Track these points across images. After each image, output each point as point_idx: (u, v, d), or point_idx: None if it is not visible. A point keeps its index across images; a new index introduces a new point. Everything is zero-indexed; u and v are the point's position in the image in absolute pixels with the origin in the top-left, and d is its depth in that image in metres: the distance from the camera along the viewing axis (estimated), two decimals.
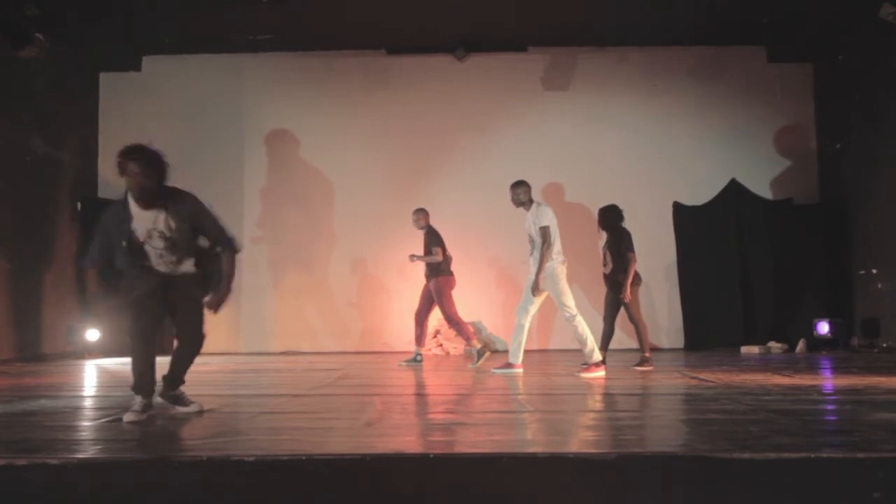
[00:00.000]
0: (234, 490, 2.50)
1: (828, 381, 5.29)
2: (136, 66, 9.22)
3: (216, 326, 8.76)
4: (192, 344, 3.60)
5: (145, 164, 3.33)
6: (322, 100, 9.26)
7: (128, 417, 3.37)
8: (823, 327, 8.25)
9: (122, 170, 3.35)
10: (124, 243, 3.41)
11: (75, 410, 4.09)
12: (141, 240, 3.43)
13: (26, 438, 3.20)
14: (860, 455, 2.44)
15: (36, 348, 8.02)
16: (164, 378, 3.59)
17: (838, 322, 8.25)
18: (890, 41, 7.45)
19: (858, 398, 4.11)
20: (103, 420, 3.58)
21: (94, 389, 5.45)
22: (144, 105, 9.05)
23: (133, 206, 3.42)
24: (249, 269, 9.01)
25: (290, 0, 7.58)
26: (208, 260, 3.60)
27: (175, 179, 3.54)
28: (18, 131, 7.64)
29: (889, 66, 7.66)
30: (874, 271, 8.15)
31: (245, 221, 9.08)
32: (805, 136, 9.23)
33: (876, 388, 4.51)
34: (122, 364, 7.29)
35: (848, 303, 8.56)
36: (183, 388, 3.68)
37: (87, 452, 2.79)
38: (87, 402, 4.58)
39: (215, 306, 3.56)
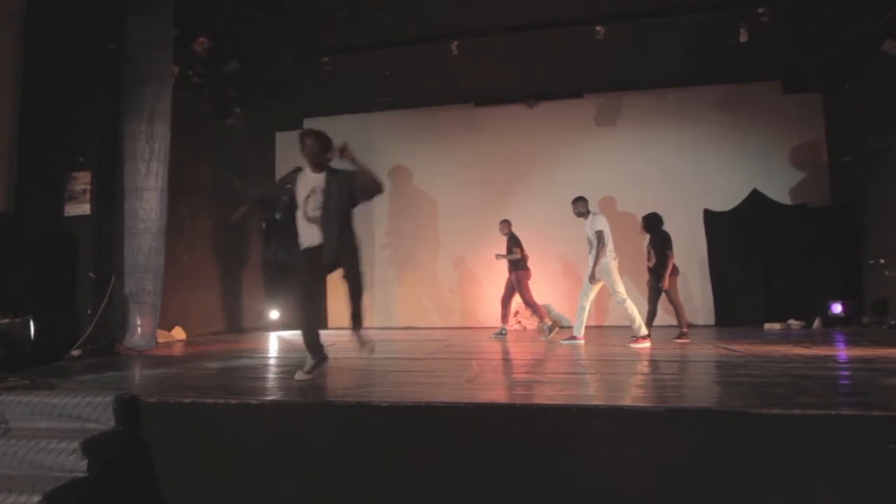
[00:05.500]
0: (374, 426, 2.59)
1: (843, 351, 4.76)
2: (300, 126, 9.74)
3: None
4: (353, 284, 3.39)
5: (315, 137, 3.48)
6: (429, 142, 9.38)
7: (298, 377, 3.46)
8: (837, 307, 7.42)
9: (301, 142, 3.48)
10: (285, 198, 3.46)
11: (265, 367, 4.32)
12: (304, 196, 3.42)
13: (235, 385, 3.46)
14: (876, 413, 2.19)
15: (238, 323, 8.56)
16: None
17: (850, 302, 7.42)
18: (891, 70, 6.65)
19: (871, 366, 3.68)
20: (284, 375, 3.79)
21: (277, 353, 5.73)
22: None
23: (306, 172, 3.51)
24: (379, 266, 9.34)
25: (401, 70, 7.71)
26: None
27: None
28: (224, 175, 8.22)
29: (891, 90, 6.82)
30: (882, 261, 7.28)
31: (375, 233, 9.41)
32: (818, 152, 8.35)
33: (887, 358, 4.03)
34: (293, 335, 7.74)
35: (858, 288, 7.65)
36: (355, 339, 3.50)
37: (275, 396, 2.97)
38: (272, 362, 4.80)
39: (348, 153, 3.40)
